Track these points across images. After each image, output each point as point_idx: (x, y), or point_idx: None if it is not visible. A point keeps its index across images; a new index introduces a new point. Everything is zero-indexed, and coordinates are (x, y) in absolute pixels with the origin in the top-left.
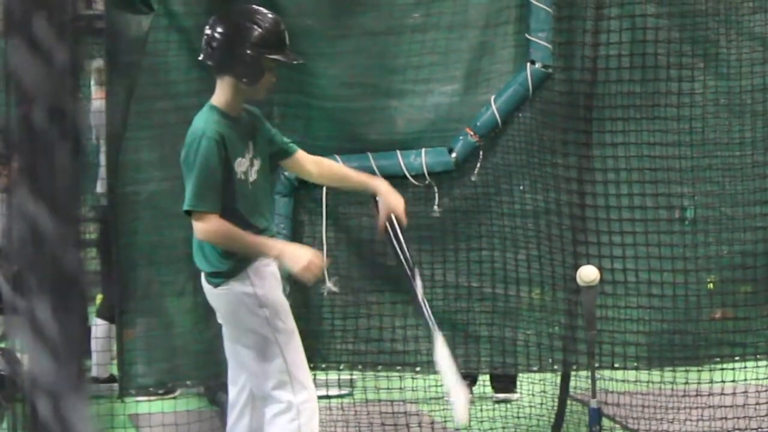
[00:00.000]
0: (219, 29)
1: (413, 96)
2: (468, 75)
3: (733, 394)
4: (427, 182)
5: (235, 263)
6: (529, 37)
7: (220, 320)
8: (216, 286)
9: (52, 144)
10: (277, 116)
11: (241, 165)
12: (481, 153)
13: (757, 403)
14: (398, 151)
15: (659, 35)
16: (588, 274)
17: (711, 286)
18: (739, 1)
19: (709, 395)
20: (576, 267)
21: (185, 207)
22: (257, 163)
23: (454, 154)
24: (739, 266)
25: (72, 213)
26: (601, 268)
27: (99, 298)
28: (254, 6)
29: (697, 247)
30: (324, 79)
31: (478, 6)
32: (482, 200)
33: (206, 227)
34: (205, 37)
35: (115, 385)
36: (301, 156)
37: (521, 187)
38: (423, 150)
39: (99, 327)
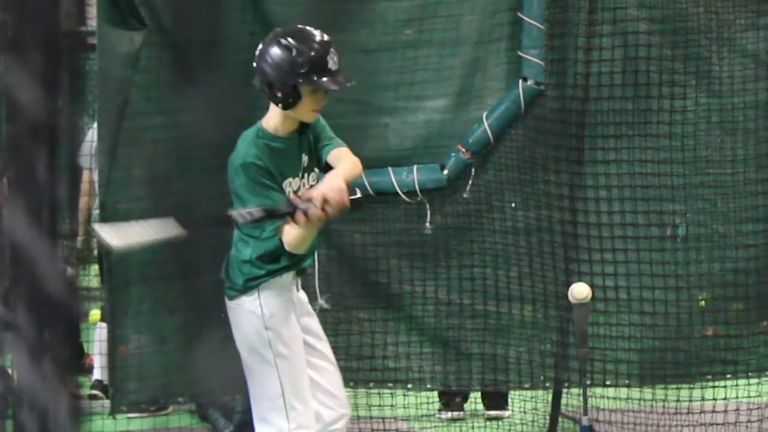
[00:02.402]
0: (259, 51)
1: (405, 113)
2: (460, 92)
3: (725, 411)
4: (419, 199)
5: (248, 279)
6: (521, 54)
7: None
8: (230, 298)
9: (42, 161)
10: None
11: (291, 185)
12: (473, 170)
13: (749, 421)
14: (390, 168)
15: (651, 52)
16: (580, 291)
17: (703, 303)
18: (732, 19)
19: (700, 413)
20: (568, 284)
21: (271, 229)
22: (313, 176)
23: (446, 171)
24: (731, 284)
25: (62, 231)
26: (593, 286)
27: (98, 313)
28: (301, 27)
29: (688, 264)
30: None
31: (471, 23)
32: (474, 217)
33: (286, 239)
34: (255, 57)
35: (107, 402)
36: (332, 155)
37: (513, 204)
38: (415, 167)
39: (104, 330)
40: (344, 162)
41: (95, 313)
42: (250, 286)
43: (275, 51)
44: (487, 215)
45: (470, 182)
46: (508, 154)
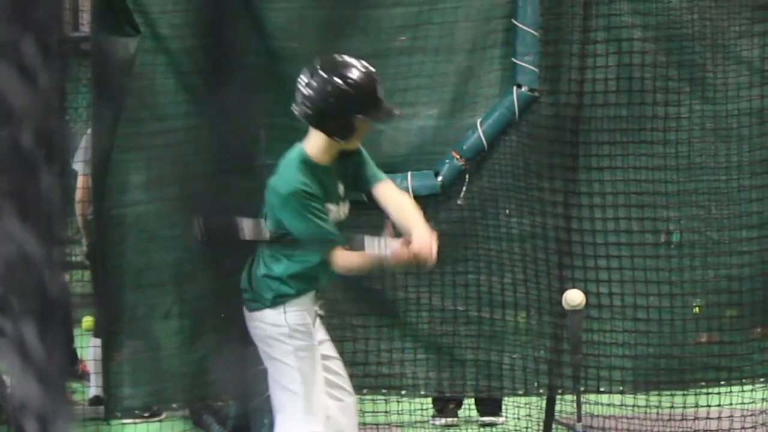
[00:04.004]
0: (314, 85)
1: (399, 119)
2: (454, 98)
3: (719, 418)
4: None
5: (277, 296)
6: (515, 61)
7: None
8: (251, 310)
9: (38, 166)
10: (264, 139)
11: (330, 212)
12: (467, 177)
13: (743, 428)
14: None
15: (646, 59)
16: (574, 298)
17: (697, 310)
18: (726, 26)
19: (694, 419)
20: (562, 291)
21: (322, 248)
22: (346, 205)
23: (440, 178)
24: (725, 290)
25: (57, 235)
26: (587, 292)
27: (92, 318)
28: (348, 61)
29: (683, 271)
30: None
31: (465, 30)
32: (468, 224)
33: (341, 262)
34: (300, 88)
35: (101, 408)
36: (382, 192)
37: (507, 211)
38: (409, 173)
39: (98, 349)
40: (408, 206)
41: (88, 320)
42: (278, 302)
43: (333, 86)
44: (481, 222)
45: (464, 189)
46: (502, 160)
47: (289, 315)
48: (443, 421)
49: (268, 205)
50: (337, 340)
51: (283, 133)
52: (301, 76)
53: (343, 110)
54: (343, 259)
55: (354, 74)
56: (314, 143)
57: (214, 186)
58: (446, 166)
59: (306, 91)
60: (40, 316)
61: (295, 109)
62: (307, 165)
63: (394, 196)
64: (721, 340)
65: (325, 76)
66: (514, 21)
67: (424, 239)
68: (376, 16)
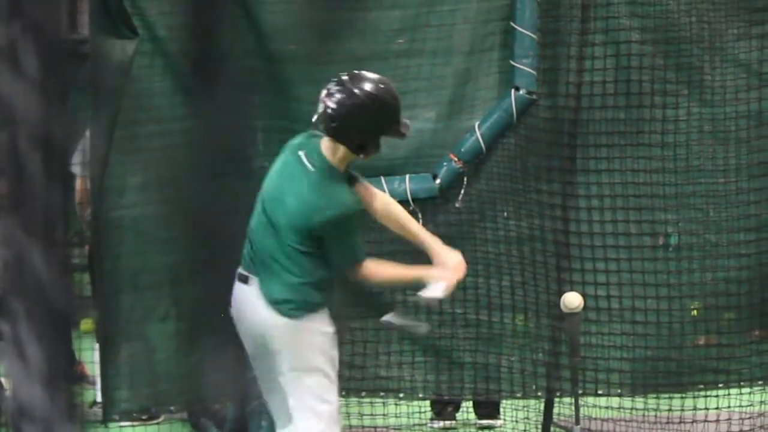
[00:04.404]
0: (344, 102)
1: None
2: (452, 101)
3: (717, 421)
4: (411, 208)
5: (320, 301)
6: (513, 64)
7: (254, 350)
8: (293, 317)
9: (37, 168)
10: (260, 141)
11: None
12: (465, 179)
13: (741, 430)
14: (382, 177)
15: (643, 62)
16: (572, 300)
17: (695, 312)
18: (724, 29)
19: (692, 422)
20: (560, 293)
21: (350, 264)
22: None
23: (438, 181)
24: (723, 293)
25: (57, 239)
26: (585, 295)
27: (91, 322)
28: (375, 78)
29: (681, 273)
30: (308, 105)
31: (463, 32)
32: (466, 226)
33: (376, 274)
34: (326, 101)
35: (99, 410)
36: (365, 192)
37: (505, 214)
38: (407, 176)
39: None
40: (407, 219)
41: (87, 322)
42: (321, 308)
43: (364, 106)
44: (479, 224)
45: (462, 192)
46: (500, 163)
47: (329, 321)
48: (441, 424)
49: (302, 220)
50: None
51: (281, 135)
52: (329, 88)
53: (373, 130)
54: (380, 274)
55: (384, 94)
56: (336, 155)
57: (211, 188)
58: (444, 169)
59: (333, 106)
60: (40, 319)
61: (320, 122)
62: (344, 177)
63: (393, 207)
64: (719, 342)
65: (356, 93)
66: (512, 24)
67: (454, 261)
68: (375, 19)
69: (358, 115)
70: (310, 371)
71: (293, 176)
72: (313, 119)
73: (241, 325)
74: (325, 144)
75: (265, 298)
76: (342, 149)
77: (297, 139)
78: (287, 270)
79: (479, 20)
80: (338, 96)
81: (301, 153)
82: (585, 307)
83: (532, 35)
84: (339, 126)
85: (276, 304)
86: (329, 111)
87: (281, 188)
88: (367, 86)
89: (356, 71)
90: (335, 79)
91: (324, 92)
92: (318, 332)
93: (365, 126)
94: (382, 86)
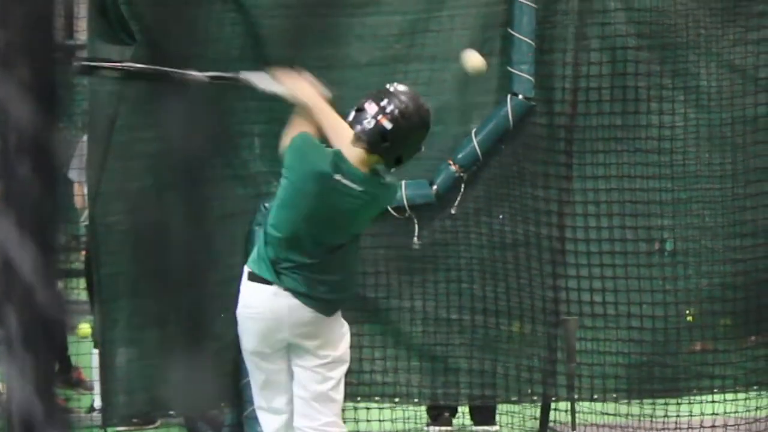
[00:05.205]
0: (400, 125)
1: None
2: (450, 107)
3: (712, 426)
4: (407, 215)
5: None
6: (510, 70)
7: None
8: (332, 315)
9: (33, 174)
10: (258, 146)
11: None
12: (462, 185)
13: None
14: None
15: (640, 68)
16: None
17: (690, 318)
18: (720, 34)
19: (688, 428)
20: (556, 300)
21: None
22: None
23: (434, 187)
24: (719, 299)
25: (51, 244)
26: (581, 301)
27: (88, 325)
28: (421, 100)
29: (676, 279)
30: None
31: (461, 38)
32: (462, 232)
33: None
34: (379, 122)
35: (98, 415)
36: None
37: (501, 217)
38: (404, 182)
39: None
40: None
41: (84, 327)
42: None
43: (423, 130)
44: (476, 230)
45: (459, 198)
46: (496, 169)
47: None
48: (437, 429)
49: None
50: None
51: (279, 140)
52: (382, 105)
53: (417, 149)
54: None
55: (428, 117)
56: (357, 159)
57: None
58: (441, 175)
59: (389, 126)
60: (33, 323)
61: (363, 135)
62: (380, 173)
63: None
64: (714, 348)
65: (411, 114)
66: (509, 30)
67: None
68: (373, 24)
69: (411, 137)
70: (335, 364)
71: (346, 203)
72: (349, 123)
73: (272, 322)
74: (354, 158)
75: (308, 298)
76: (374, 158)
77: (318, 166)
78: (347, 266)
79: (477, 26)
80: (395, 114)
81: (338, 177)
82: (581, 313)
83: (529, 41)
84: (390, 146)
85: (325, 308)
86: (381, 129)
87: (336, 221)
88: (421, 109)
89: (403, 87)
90: (387, 96)
91: (374, 106)
92: (347, 327)
93: (413, 146)
94: (426, 107)
